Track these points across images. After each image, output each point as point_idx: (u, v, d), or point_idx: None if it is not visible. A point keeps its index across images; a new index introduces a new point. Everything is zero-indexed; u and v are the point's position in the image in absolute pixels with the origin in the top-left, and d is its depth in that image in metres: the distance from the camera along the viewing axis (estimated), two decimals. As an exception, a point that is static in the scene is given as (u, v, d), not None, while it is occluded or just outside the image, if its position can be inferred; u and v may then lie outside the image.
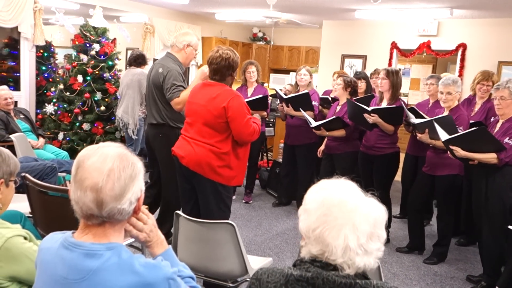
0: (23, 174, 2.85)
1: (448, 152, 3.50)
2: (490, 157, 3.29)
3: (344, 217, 1.20)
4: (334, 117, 4.49)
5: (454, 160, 3.76)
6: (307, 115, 4.69)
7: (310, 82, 5.09)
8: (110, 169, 1.19)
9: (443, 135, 3.47)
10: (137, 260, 1.23)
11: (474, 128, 3.47)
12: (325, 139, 4.92)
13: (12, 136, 4.74)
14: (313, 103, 4.89)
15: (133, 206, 1.26)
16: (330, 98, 5.28)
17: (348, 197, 1.24)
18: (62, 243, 1.24)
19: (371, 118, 4.13)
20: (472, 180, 3.76)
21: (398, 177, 4.92)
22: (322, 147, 4.96)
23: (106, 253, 1.21)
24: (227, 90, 3.05)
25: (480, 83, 4.44)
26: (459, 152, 3.36)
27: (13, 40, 6.82)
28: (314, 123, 4.60)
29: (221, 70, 3.06)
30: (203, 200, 3.16)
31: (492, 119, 3.75)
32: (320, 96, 5.35)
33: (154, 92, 3.73)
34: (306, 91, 4.89)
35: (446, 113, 3.87)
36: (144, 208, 1.38)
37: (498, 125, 3.45)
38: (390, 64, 7.72)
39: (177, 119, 3.73)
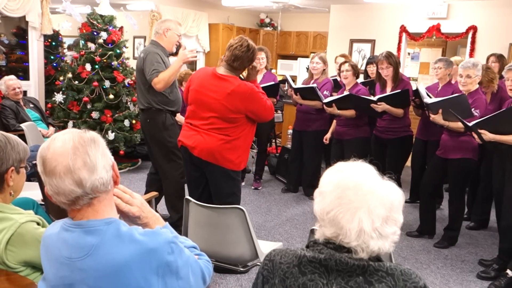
0: (34, 162, 2.87)
1: (476, 136, 3.42)
2: None
3: (359, 200, 1.19)
4: (347, 93, 4.46)
5: (468, 144, 3.71)
6: (320, 92, 4.68)
7: (324, 69, 5.01)
8: (73, 147, 1.20)
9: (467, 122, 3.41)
10: (136, 230, 1.25)
11: (503, 109, 3.40)
12: (332, 126, 4.91)
13: (23, 125, 4.78)
14: (325, 92, 4.85)
15: (110, 174, 1.27)
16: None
17: (363, 180, 1.22)
18: (62, 226, 1.27)
19: (379, 107, 4.14)
20: (492, 164, 3.70)
21: (408, 161, 4.90)
22: (328, 135, 4.95)
23: (105, 227, 1.23)
24: (241, 86, 2.97)
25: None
26: (488, 135, 3.29)
27: (21, 29, 6.84)
28: (325, 99, 4.61)
29: (243, 59, 3.00)
30: (216, 187, 3.17)
31: None
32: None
33: (138, 77, 3.83)
34: (314, 85, 4.84)
35: None
36: (123, 186, 1.39)
37: None
38: (399, 48, 7.64)
39: (162, 101, 3.78)
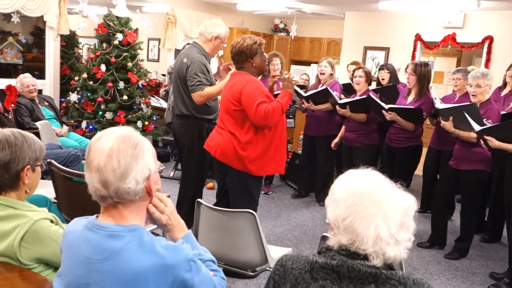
0: (49, 160, 2.91)
1: (482, 142, 3.42)
2: None
3: (375, 207, 1.19)
4: (364, 96, 4.44)
5: (481, 155, 3.68)
6: (333, 93, 4.66)
7: (331, 74, 5.04)
8: (111, 150, 1.22)
9: (476, 126, 3.40)
10: (158, 242, 1.25)
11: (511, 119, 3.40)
12: (341, 131, 4.90)
13: (38, 124, 4.83)
14: (334, 93, 4.85)
15: (141, 186, 1.26)
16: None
17: (378, 186, 1.22)
18: (87, 225, 1.28)
19: (388, 116, 4.14)
20: (504, 173, 3.68)
21: (419, 171, 4.85)
22: (336, 140, 4.93)
23: (128, 234, 1.24)
24: (243, 77, 3.05)
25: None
26: (494, 142, 3.29)
27: (38, 29, 6.92)
28: (341, 101, 4.60)
29: (245, 53, 3.11)
30: (230, 190, 3.19)
31: None
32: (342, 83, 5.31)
33: (179, 82, 3.68)
34: (325, 87, 4.83)
35: None
36: (161, 195, 1.39)
37: None
38: (413, 56, 7.61)
39: (202, 110, 3.68)
